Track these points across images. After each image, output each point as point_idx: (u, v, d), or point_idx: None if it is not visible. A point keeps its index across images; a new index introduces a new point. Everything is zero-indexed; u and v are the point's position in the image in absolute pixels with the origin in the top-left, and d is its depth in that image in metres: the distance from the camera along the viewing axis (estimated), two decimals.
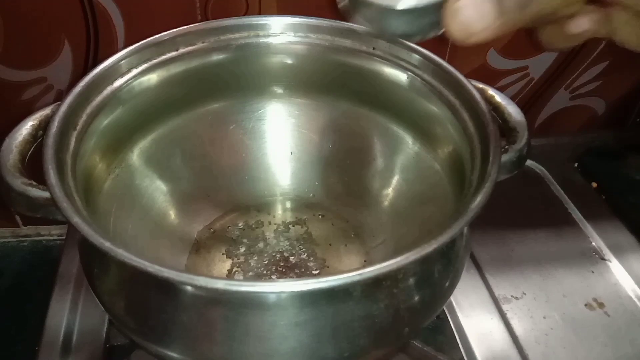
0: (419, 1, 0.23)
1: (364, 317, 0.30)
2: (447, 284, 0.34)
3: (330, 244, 0.45)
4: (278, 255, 0.44)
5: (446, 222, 0.28)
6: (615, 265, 0.50)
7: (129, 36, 0.48)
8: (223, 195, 0.47)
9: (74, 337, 0.42)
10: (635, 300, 0.47)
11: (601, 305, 0.46)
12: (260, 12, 0.49)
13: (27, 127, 0.34)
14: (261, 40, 0.42)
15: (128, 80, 0.38)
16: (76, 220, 0.27)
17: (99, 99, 0.36)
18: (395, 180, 0.45)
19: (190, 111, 0.44)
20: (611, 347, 0.43)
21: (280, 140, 0.47)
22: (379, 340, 0.31)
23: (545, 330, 0.44)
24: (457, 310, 0.45)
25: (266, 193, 0.48)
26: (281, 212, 0.48)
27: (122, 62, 0.37)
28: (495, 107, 0.37)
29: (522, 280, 0.48)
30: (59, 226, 0.56)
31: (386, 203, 0.45)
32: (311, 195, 0.48)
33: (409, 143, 0.43)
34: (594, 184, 0.58)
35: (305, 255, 0.44)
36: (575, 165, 0.60)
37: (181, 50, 0.40)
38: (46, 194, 0.29)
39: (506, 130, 0.36)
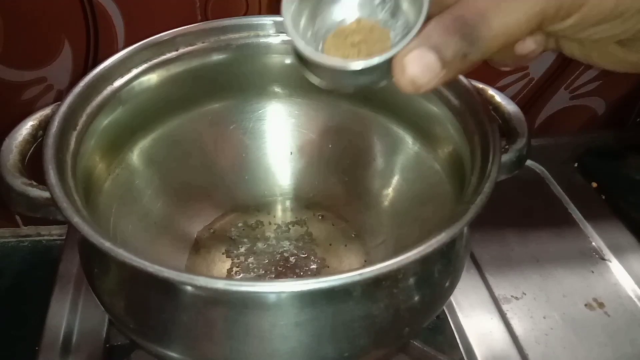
0: (369, 61, 0.24)
1: (364, 317, 0.30)
2: (447, 284, 0.34)
3: (330, 244, 0.45)
4: (278, 256, 0.44)
5: (446, 222, 0.28)
6: (615, 265, 0.50)
7: (129, 36, 0.48)
8: (223, 195, 0.47)
9: (74, 337, 0.42)
10: (635, 300, 0.47)
11: (601, 305, 0.46)
12: (260, 12, 0.49)
13: (27, 127, 0.34)
14: (261, 40, 0.41)
15: (128, 80, 0.38)
16: (76, 220, 0.27)
17: (99, 99, 0.36)
18: (395, 180, 0.45)
19: (191, 111, 0.44)
20: (611, 347, 0.43)
21: (280, 140, 0.47)
22: (379, 340, 0.31)
23: (545, 330, 0.44)
24: (457, 310, 0.45)
25: (266, 193, 0.48)
26: (281, 212, 0.48)
27: (122, 62, 0.37)
28: (495, 107, 0.37)
29: (522, 280, 0.48)
30: (59, 226, 0.56)
31: (386, 203, 0.45)
32: (311, 195, 0.48)
33: (409, 143, 0.43)
34: (594, 184, 0.58)
35: (305, 255, 0.44)
36: (575, 165, 0.60)
37: (181, 50, 0.40)
38: (46, 194, 0.29)
39: (506, 130, 0.36)
